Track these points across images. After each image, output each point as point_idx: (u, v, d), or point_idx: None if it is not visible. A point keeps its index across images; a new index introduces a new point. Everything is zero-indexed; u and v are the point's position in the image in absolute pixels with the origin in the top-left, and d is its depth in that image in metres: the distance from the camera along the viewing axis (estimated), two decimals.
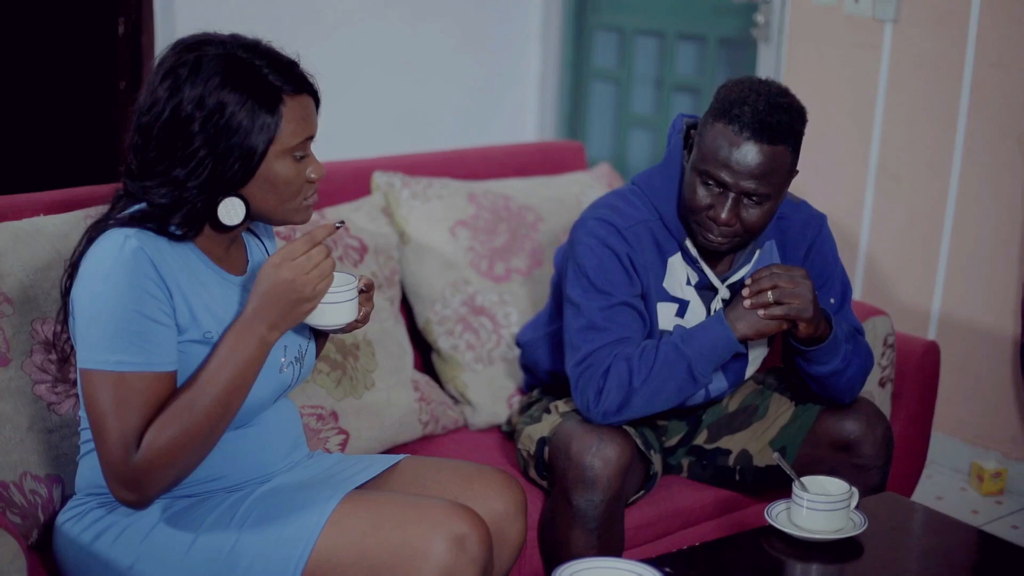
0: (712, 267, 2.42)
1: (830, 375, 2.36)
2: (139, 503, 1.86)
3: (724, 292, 2.42)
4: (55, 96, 4.22)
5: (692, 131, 2.37)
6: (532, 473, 2.48)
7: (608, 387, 2.30)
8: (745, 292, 2.29)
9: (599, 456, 2.26)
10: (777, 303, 2.26)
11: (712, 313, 2.42)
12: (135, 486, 1.82)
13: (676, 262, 2.40)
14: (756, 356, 2.50)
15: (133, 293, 1.81)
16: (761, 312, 2.27)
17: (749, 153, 2.21)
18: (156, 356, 1.82)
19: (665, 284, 2.40)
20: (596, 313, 2.35)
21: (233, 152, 1.85)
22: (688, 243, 2.39)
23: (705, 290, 2.42)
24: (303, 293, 1.85)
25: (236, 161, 1.85)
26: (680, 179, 2.37)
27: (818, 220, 2.49)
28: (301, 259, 1.85)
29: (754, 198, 2.24)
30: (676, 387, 2.32)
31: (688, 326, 2.40)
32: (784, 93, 2.28)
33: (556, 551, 2.34)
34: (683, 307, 2.41)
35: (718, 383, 2.49)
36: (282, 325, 1.87)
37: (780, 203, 2.31)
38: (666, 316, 2.41)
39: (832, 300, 2.46)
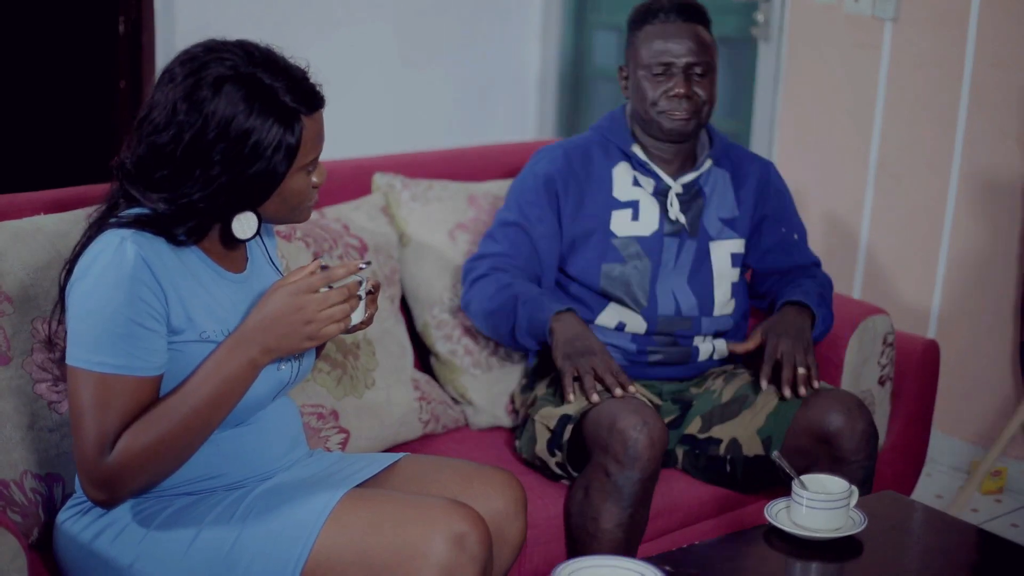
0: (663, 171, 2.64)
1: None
2: (107, 503, 1.87)
3: (677, 187, 2.62)
4: (55, 96, 4.22)
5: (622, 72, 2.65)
6: (538, 447, 2.48)
7: (470, 292, 2.62)
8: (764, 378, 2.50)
9: (644, 433, 2.30)
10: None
11: (669, 214, 2.61)
12: (105, 487, 1.83)
13: (621, 169, 2.64)
14: (723, 300, 2.66)
15: (124, 297, 1.81)
16: (802, 390, 2.45)
17: (680, 33, 2.52)
18: (140, 361, 1.82)
19: (615, 193, 2.62)
20: (497, 225, 2.66)
21: (256, 178, 1.85)
22: (635, 149, 2.62)
23: (658, 195, 2.63)
24: (308, 331, 1.84)
25: (257, 185, 1.86)
26: (622, 112, 2.66)
27: (766, 162, 2.75)
28: (318, 296, 1.84)
29: (698, 69, 2.53)
30: (496, 333, 2.60)
31: (643, 230, 2.60)
32: None
33: (585, 525, 2.35)
34: (635, 209, 2.62)
35: (687, 300, 2.63)
36: (276, 353, 1.86)
37: (716, 82, 2.57)
38: (621, 223, 2.61)
39: (796, 236, 2.72)
